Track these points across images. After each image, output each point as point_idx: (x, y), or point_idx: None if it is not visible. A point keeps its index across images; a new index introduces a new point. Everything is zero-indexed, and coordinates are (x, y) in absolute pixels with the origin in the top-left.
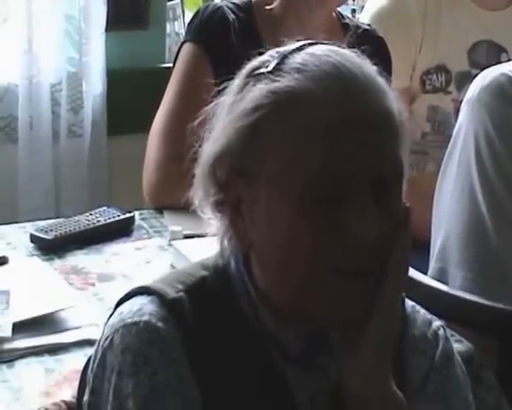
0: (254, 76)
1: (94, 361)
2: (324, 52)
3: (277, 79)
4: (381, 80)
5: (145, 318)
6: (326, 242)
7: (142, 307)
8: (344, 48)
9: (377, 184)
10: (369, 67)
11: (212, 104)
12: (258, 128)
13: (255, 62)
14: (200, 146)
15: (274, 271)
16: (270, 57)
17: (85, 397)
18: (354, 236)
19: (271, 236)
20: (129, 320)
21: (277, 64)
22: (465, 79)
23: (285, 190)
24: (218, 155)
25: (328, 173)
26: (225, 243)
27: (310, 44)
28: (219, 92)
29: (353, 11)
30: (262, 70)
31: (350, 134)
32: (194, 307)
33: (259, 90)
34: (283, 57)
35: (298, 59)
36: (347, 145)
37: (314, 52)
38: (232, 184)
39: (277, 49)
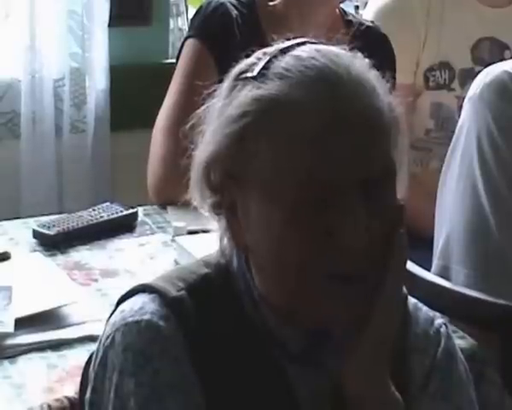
0: (241, 79)
1: (95, 359)
2: (310, 54)
3: (261, 85)
4: (371, 77)
5: (147, 317)
6: (316, 248)
7: (143, 306)
8: (334, 45)
9: (367, 185)
10: (357, 65)
11: (202, 108)
12: (245, 135)
13: (242, 65)
14: (193, 149)
15: (268, 274)
16: (256, 60)
17: (87, 395)
18: (344, 242)
19: (264, 240)
20: (130, 319)
21: (262, 68)
22: (468, 76)
23: (274, 197)
24: (209, 160)
25: (314, 180)
26: (225, 241)
27: (297, 45)
28: (209, 95)
29: (356, 8)
30: (248, 74)
31: (335, 140)
32: (196, 305)
33: (244, 96)
34: (268, 61)
35: (282, 63)
36: (333, 151)
37: (299, 55)
38: (226, 188)
39: (264, 50)
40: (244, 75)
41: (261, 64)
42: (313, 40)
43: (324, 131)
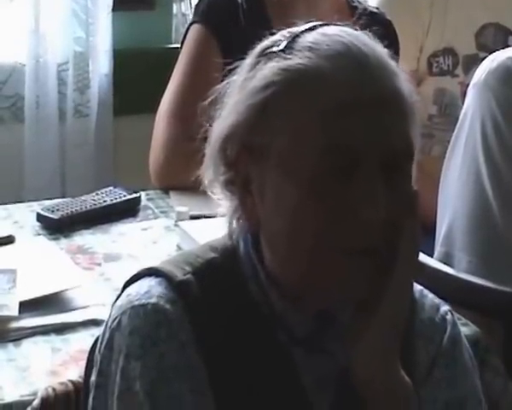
0: (266, 55)
1: (101, 342)
2: (336, 32)
3: (289, 57)
4: (391, 62)
5: (153, 300)
6: (334, 222)
7: (150, 290)
8: (356, 29)
9: (386, 164)
10: (380, 49)
11: (223, 83)
12: (269, 105)
13: (267, 42)
14: (210, 125)
15: (282, 249)
16: (281, 37)
17: (93, 378)
18: (362, 217)
19: (279, 215)
20: (137, 302)
21: (289, 43)
22: (472, 62)
23: (294, 169)
24: (228, 133)
25: (336, 150)
26: (234, 223)
27: (321, 25)
28: (230, 71)
29: None
30: (273, 49)
31: (359, 113)
32: (202, 289)
33: (271, 68)
34: (295, 36)
35: (309, 38)
36: (356, 124)
37: (326, 32)
38: (242, 162)
39: (289, 30)
40: (269, 50)
41: (288, 39)
42: (336, 23)
43: (349, 104)
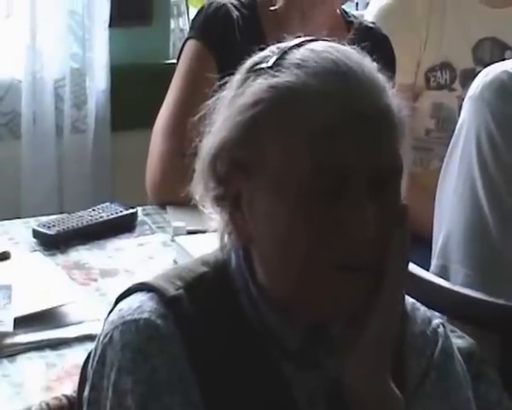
0: (255, 71)
1: (94, 357)
2: (324, 48)
3: (277, 74)
4: (380, 77)
5: (145, 315)
6: (324, 239)
7: (141, 305)
8: (344, 44)
9: (375, 180)
10: (368, 64)
11: (212, 99)
12: (258, 122)
13: (256, 58)
14: (200, 141)
15: (273, 265)
16: (270, 53)
17: (85, 393)
18: (352, 233)
19: (269, 231)
20: (128, 317)
21: (277, 59)
22: (470, 77)
23: (282, 187)
24: (217, 149)
25: (325, 168)
26: (225, 238)
27: (310, 41)
28: (220, 87)
29: (356, 5)
30: (262, 65)
31: (347, 130)
32: (194, 304)
33: (259, 84)
34: (283, 53)
35: (298, 55)
36: (344, 144)
37: (314, 48)
38: (231, 178)
39: (278, 45)
40: (258, 66)
41: (276, 56)
42: (325, 38)
43: (337, 121)
